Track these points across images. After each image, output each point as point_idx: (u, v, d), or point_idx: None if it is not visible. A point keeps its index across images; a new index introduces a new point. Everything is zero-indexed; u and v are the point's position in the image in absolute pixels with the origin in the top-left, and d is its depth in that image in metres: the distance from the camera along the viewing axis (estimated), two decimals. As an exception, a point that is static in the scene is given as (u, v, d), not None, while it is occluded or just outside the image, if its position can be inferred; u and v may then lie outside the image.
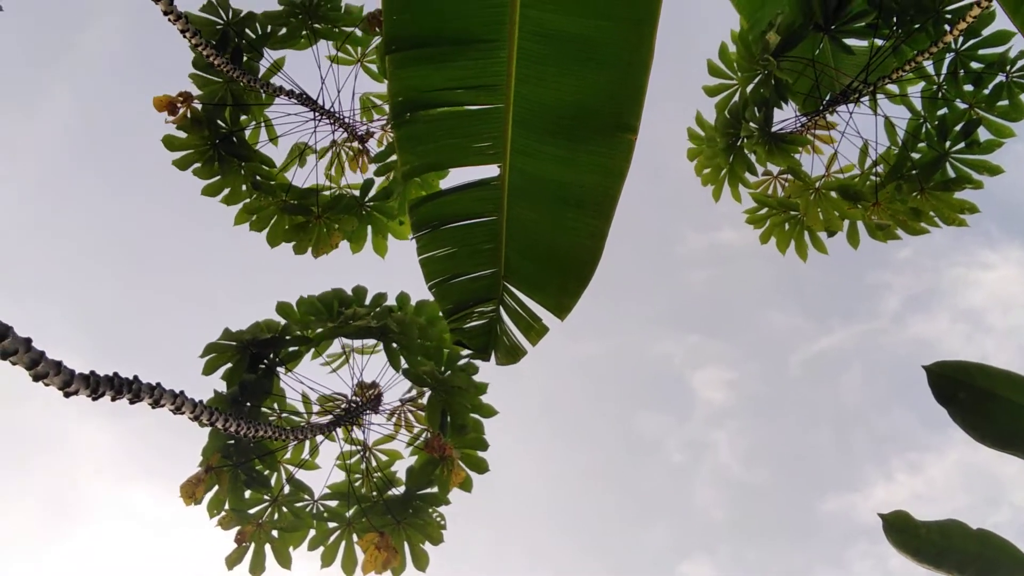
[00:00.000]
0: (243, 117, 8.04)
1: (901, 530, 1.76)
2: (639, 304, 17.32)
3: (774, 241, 9.44)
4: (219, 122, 7.84)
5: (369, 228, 8.58)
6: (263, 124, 8.25)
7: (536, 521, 17.59)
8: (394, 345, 7.14)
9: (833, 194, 8.78)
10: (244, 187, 8.11)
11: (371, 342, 7.42)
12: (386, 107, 8.92)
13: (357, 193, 8.46)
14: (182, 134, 7.72)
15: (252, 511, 6.74)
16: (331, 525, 6.94)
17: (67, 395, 2.89)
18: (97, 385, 3.05)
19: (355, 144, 8.94)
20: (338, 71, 8.25)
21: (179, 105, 7.45)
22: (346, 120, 8.54)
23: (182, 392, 3.89)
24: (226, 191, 8.10)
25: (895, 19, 7.69)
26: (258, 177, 8.12)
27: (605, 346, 17.32)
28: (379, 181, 8.49)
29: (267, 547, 6.75)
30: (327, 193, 8.61)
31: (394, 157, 7.97)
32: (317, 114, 8.22)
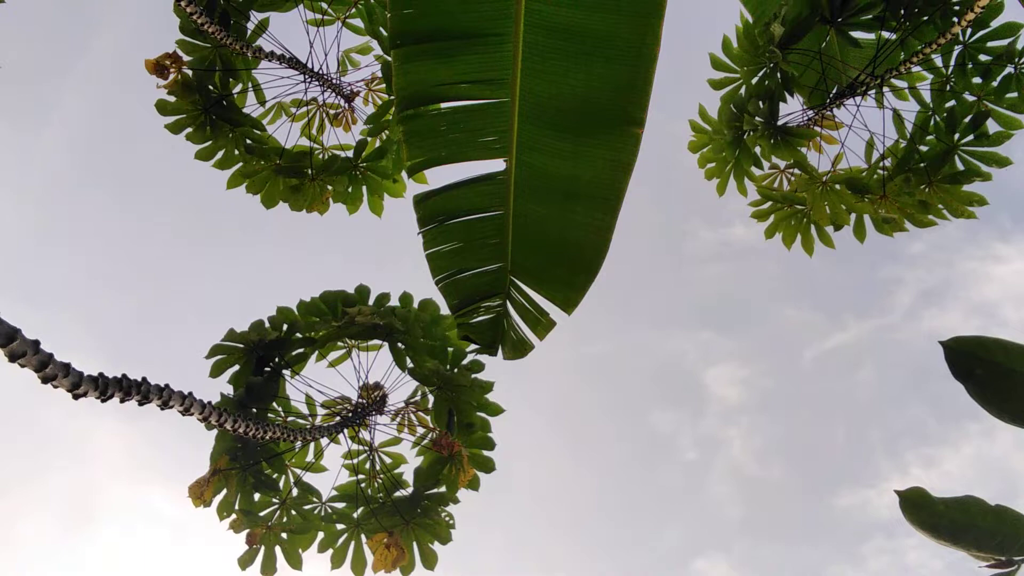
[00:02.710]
0: (232, 81, 8.05)
1: (918, 507, 1.74)
2: (651, 301, 17.31)
3: (780, 236, 9.40)
4: (209, 87, 7.85)
5: (364, 189, 8.62)
6: (252, 88, 8.27)
7: (551, 518, 17.61)
8: (399, 344, 7.12)
9: (840, 187, 8.74)
10: (236, 151, 8.15)
11: (375, 342, 7.40)
12: (370, 61, 8.97)
13: (350, 154, 8.48)
14: (173, 99, 7.74)
15: (262, 513, 6.74)
16: (339, 527, 6.92)
17: (76, 397, 2.87)
18: (106, 387, 3.04)
19: (340, 102, 8.93)
20: (324, 31, 8.26)
21: (169, 68, 7.45)
22: (333, 80, 8.55)
23: (190, 393, 3.88)
24: (219, 155, 8.13)
25: (902, 11, 7.65)
26: (249, 141, 8.15)
27: (618, 343, 17.32)
28: (370, 141, 8.52)
29: (277, 549, 6.76)
30: (318, 155, 8.64)
31: (386, 117, 7.98)
32: (306, 76, 8.24)
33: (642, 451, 17.75)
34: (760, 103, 8.22)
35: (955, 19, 7.45)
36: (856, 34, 7.92)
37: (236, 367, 6.78)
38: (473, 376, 7.01)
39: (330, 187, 8.47)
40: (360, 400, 7.13)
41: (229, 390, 6.79)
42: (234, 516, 6.62)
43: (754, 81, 8.30)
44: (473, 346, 4.57)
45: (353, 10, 8.29)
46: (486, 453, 7.06)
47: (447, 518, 6.87)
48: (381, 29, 7.86)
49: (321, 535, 6.91)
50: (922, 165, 8.16)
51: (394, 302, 7.34)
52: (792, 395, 17.79)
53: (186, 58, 7.69)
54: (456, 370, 7.10)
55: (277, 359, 6.91)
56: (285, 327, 6.93)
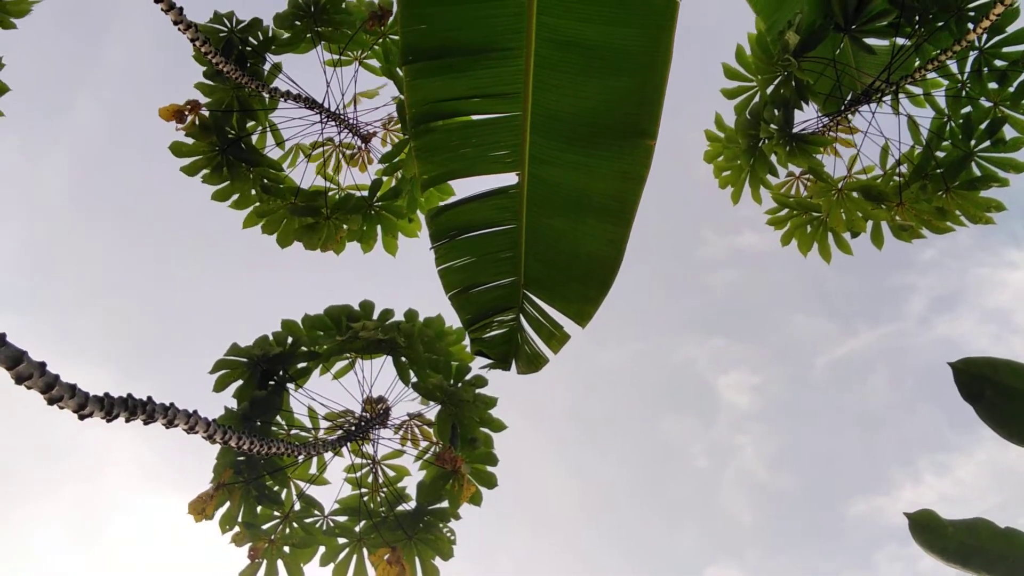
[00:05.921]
0: (250, 123, 8.10)
1: (927, 529, 1.73)
2: (662, 309, 17.25)
3: (795, 243, 9.34)
4: (226, 128, 7.90)
5: (379, 228, 8.63)
6: (269, 128, 8.31)
7: (564, 525, 17.54)
8: (403, 359, 7.13)
9: (856, 195, 8.68)
10: (253, 191, 8.19)
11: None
12: (387, 101, 9.01)
13: (365, 193, 8.50)
14: (190, 140, 7.79)
15: (264, 527, 6.73)
16: (341, 541, 6.89)
17: (82, 417, 2.88)
18: (111, 407, 3.05)
19: (356, 143, 8.98)
20: (342, 72, 8.31)
21: (187, 113, 7.53)
22: (350, 121, 8.59)
23: (195, 411, 3.89)
24: (235, 196, 8.19)
25: (917, 18, 7.60)
26: (266, 181, 8.19)
27: (630, 351, 17.26)
28: (385, 180, 8.55)
29: (279, 563, 6.73)
30: (334, 194, 8.66)
31: (401, 157, 8.02)
32: (323, 116, 8.29)
33: (653, 459, 17.68)
34: (775, 111, 8.20)
35: (970, 25, 7.39)
36: (870, 41, 7.88)
37: (240, 381, 6.81)
38: (477, 391, 7.01)
39: (345, 226, 8.49)
40: (363, 413, 7.13)
41: (234, 403, 6.81)
42: (236, 530, 6.60)
43: (769, 89, 8.27)
44: (484, 361, 4.56)
45: (369, 51, 8.36)
46: (489, 468, 7.03)
47: (449, 534, 6.82)
48: (398, 70, 7.88)
49: (323, 549, 6.88)
50: (939, 171, 8.09)
51: (399, 318, 7.32)
52: (804, 402, 17.68)
53: (204, 100, 7.76)
54: (460, 385, 7.10)
55: (281, 373, 6.92)
56: (290, 341, 6.95)
